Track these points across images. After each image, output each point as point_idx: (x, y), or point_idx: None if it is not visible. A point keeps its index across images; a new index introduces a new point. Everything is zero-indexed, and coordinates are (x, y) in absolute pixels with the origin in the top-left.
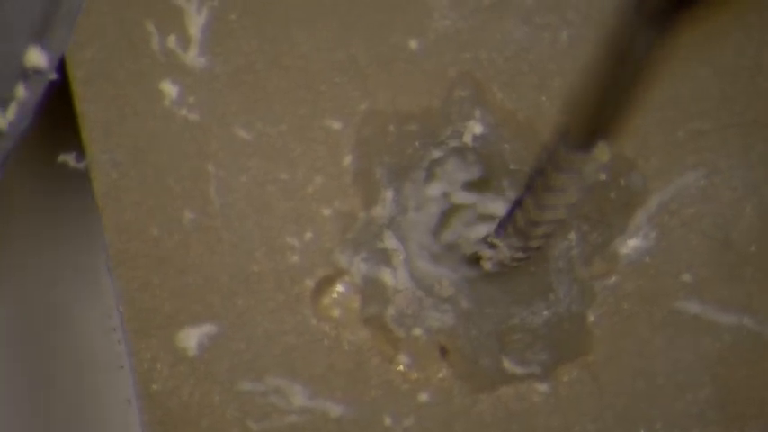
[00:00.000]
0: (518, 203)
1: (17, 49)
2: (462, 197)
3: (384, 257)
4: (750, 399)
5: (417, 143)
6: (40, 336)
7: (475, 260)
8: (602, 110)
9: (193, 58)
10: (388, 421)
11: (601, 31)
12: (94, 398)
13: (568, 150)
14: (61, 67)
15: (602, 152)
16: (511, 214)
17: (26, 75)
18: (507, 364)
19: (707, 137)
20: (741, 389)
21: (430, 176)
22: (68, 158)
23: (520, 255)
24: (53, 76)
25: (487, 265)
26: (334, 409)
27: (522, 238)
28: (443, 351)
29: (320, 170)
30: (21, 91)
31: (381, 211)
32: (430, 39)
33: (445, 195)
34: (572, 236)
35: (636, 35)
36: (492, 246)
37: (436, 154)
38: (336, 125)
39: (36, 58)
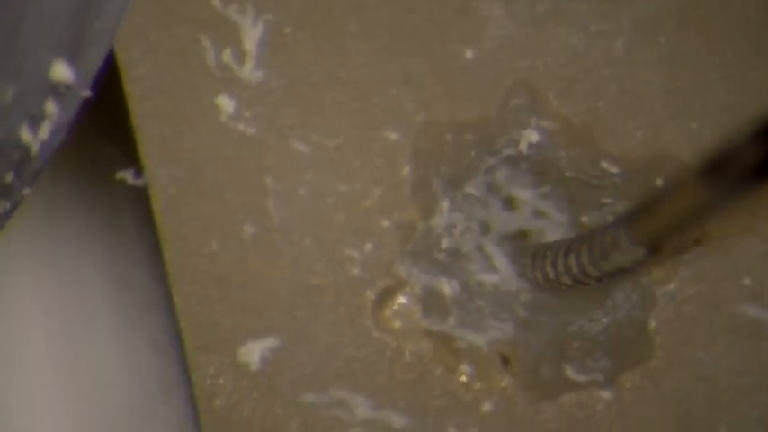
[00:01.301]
0: (569, 249)
1: (44, 62)
2: (522, 195)
3: (443, 268)
4: None
5: (473, 152)
6: (93, 352)
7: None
8: (668, 232)
9: (249, 71)
10: (452, 431)
11: (655, 36)
12: (150, 416)
13: (629, 240)
14: (115, 81)
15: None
16: (561, 251)
17: (56, 90)
18: (569, 372)
19: None
20: None
21: (484, 185)
22: (126, 175)
23: (568, 283)
24: (87, 93)
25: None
26: (398, 421)
27: (572, 277)
28: (505, 360)
29: (378, 182)
30: (51, 107)
31: (439, 221)
32: (485, 48)
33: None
34: None
35: (711, 193)
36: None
37: (491, 162)
38: (394, 136)
39: (62, 72)
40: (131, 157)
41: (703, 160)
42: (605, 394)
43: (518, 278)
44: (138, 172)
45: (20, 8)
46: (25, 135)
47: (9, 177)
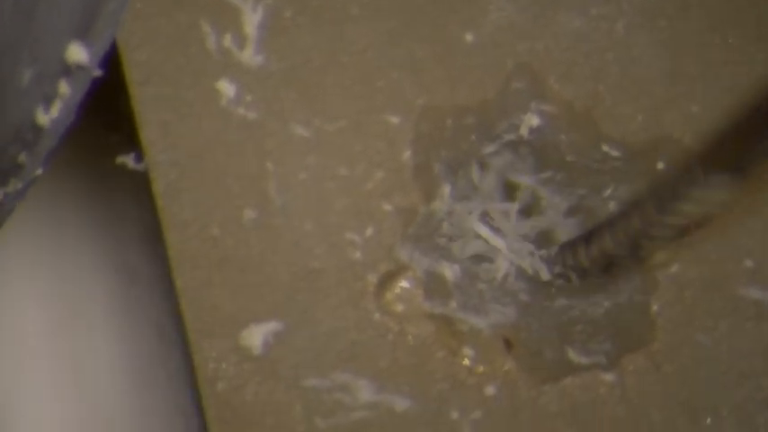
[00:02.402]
0: (635, 209)
1: (59, 45)
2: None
3: (444, 252)
4: None
5: (474, 136)
6: (98, 339)
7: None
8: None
9: (249, 56)
10: (454, 415)
11: (656, 19)
12: (155, 402)
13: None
14: (114, 67)
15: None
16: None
17: (69, 71)
18: (572, 355)
19: None
20: None
21: (484, 170)
22: (127, 160)
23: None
24: (97, 72)
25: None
26: (401, 404)
27: (632, 246)
28: (508, 344)
29: (380, 165)
30: (64, 87)
31: (440, 205)
32: (486, 32)
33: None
34: None
35: None
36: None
37: (491, 148)
38: (395, 120)
39: (78, 53)
40: (132, 143)
41: None
42: (608, 377)
43: (554, 278)
44: (139, 156)
45: None
46: (40, 117)
47: (22, 157)
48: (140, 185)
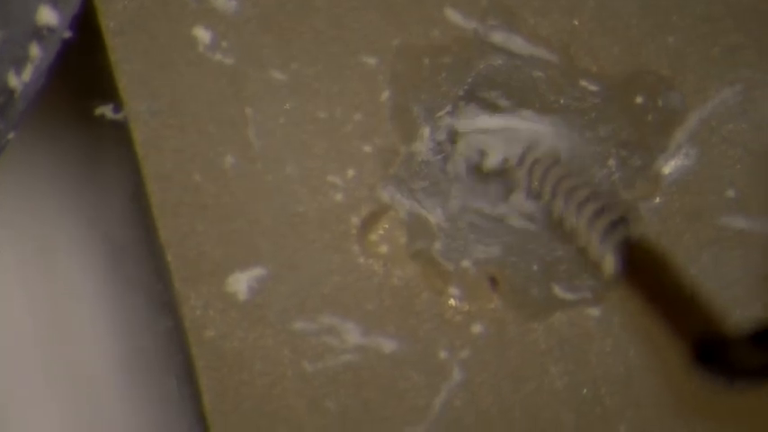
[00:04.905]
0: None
1: (29, 8)
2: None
3: (426, 193)
4: None
5: (451, 75)
6: (78, 302)
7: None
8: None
9: (224, 2)
10: (442, 354)
11: None
12: (145, 368)
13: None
14: (84, 20)
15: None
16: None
17: (39, 34)
18: (558, 291)
19: (743, 52)
20: None
21: (460, 112)
22: (106, 110)
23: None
24: (67, 34)
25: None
26: (388, 345)
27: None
28: (493, 282)
29: (358, 107)
30: (35, 50)
31: (420, 146)
32: None
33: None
34: (611, 162)
35: None
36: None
37: (469, 85)
38: (371, 61)
39: (48, 16)
40: (111, 92)
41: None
42: (594, 312)
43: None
44: (118, 106)
45: None
46: (11, 80)
47: None
48: (122, 148)
